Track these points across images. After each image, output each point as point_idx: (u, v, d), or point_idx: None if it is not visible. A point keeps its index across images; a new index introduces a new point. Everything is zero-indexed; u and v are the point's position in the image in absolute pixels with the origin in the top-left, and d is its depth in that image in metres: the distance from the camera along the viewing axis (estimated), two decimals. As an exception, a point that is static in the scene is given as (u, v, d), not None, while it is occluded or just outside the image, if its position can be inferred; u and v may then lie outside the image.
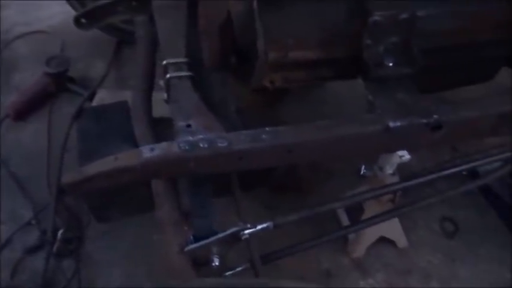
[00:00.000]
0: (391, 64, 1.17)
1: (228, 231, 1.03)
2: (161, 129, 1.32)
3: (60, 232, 1.43)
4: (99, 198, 1.46)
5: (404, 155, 1.25)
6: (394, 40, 1.18)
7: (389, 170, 1.31)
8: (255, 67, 1.20)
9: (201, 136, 1.01)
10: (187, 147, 0.98)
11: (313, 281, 1.41)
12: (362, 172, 1.66)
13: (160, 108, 1.37)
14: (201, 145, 0.99)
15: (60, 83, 1.94)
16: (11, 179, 1.63)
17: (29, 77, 1.99)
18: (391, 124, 1.06)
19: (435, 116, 1.08)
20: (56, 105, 1.92)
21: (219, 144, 1.00)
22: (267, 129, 1.04)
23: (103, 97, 1.89)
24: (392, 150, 1.23)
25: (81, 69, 2.07)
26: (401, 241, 1.51)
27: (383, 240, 1.50)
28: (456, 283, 1.45)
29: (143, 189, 1.46)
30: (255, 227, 1.05)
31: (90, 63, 2.12)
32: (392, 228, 1.46)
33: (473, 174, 1.46)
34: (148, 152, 0.98)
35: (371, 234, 1.45)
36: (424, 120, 1.08)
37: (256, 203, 1.56)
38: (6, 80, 2.02)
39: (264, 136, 1.02)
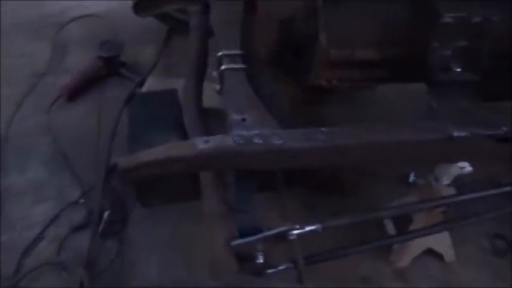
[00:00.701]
0: (458, 69, 1.11)
1: (276, 230, 1.01)
2: (209, 119, 1.32)
3: (106, 213, 1.46)
4: (145, 183, 1.49)
5: (466, 167, 1.19)
6: (463, 44, 1.12)
7: (445, 181, 1.25)
8: (312, 64, 1.17)
9: (256, 131, 1.00)
10: (241, 142, 0.97)
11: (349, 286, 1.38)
12: (411, 179, 1.61)
13: (209, 98, 1.36)
14: (256, 141, 0.98)
15: (112, 67, 1.98)
16: (60, 157, 1.68)
17: (81, 60, 2.04)
18: (456, 133, 1.00)
19: (504, 128, 1.02)
20: (106, 88, 1.97)
21: (274, 141, 0.98)
22: (323, 129, 1.01)
23: (152, 84, 1.91)
24: (453, 160, 1.17)
25: (132, 55, 2.10)
26: (449, 255, 1.44)
27: (429, 251, 1.44)
28: (503, 305, 1.38)
29: (186, 179, 1.47)
30: (303, 228, 1.03)
31: (140, 49, 2.15)
32: (440, 241, 1.40)
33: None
34: (203, 143, 0.97)
35: (417, 245, 1.39)
36: (491, 132, 1.02)
37: (295, 201, 1.54)
38: (59, 62, 2.08)
39: (319, 136, 1.00)
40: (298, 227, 1.02)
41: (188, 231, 1.45)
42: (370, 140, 1.01)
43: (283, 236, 1.03)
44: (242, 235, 1.01)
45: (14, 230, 1.49)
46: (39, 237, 1.46)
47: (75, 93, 1.91)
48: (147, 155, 1.03)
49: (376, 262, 1.44)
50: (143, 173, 1.08)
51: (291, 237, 1.02)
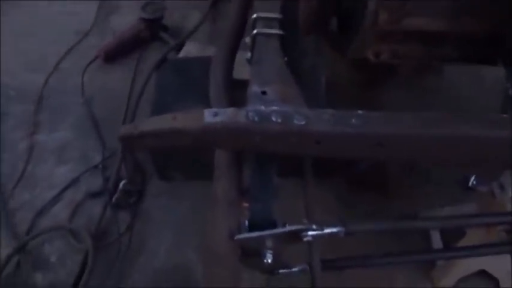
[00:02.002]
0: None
1: (288, 228, 0.86)
2: (242, 93, 1.17)
3: (122, 183, 1.38)
4: (164, 156, 1.39)
5: (543, 178, 0.93)
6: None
7: (513, 192, 1.00)
8: (358, 32, 0.96)
9: (275, 108, 0.83)
10: (256, 119, 0.81)
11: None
12: (470, 184, 1.36)
13: (243, 69, 1.21)
14: (273, 119, 0.81)
15: (153, 29, 1.89)
16: (89, 119, 1.63)
17: (127, 22, 1.97)
18: (532, 132, 0.76)
19: None
20: (147, 52, 1.88)
21: (295, 121, 0.81)
22: (359, 112, 0.82)
23: (190, 50, 1.79)
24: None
25: (178, 19, 1.99)
26: (506, 281, 1.19)
27: (481, 272, 1.20)
28: None
29: (210, 154, 1.34)
30: (322, 229, 0.86)
31: (188, 14, 2.03)
32: (497, 262, 1.16)
33: None
34: (211, 116, 0.83)
35: (468, 264, 1.16)
36: None
37: (330, 194, 1.36)
38: (104, 22, 2.03)
39: (353, 120, 0.80)
40: (315, 227, 0.86)
41: (206, 212, 1.33)
42: (416, 132, 0.80)
43: (297, 236, 0.88)
44: (252, 227, 0.87)
45: (36, 188, 1.47)
46: (55, 199, 1.43)
47: (114, 55, 1.84)
48: (148, 124, 0.91)
49: (414, 276, 1.23)
50: (145, 143, 0.97)
51: (306, 238, 0.86)
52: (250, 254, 0.90)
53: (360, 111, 0.82)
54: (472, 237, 1.09)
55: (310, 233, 0.85)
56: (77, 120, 1.64)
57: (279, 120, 0.81)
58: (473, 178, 1.35)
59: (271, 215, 0.88)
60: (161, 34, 1.88)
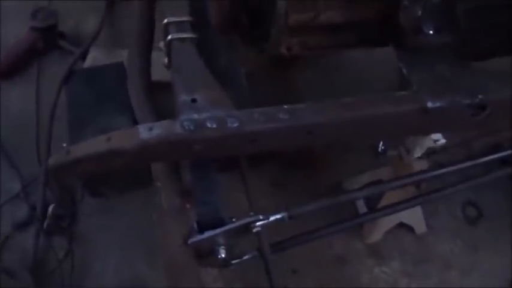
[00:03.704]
0: (430, 31, 1.00)
1: (238, 223, 0.91)
2: (162, 95, 1.17)
3: (50, 207, 1.30)
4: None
5: (440, 139, 1.11)
6: (435, 1, 1.00)
7: (417, 153, 1.17)
8: (269, 31, 1.03)
9: (208, 114, 0.86)
10: (192, 127, 0.84)
11: (324, 267, 1.32)
12: (380, 149, 1.54)
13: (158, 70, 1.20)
14: (209, 125, 0.85)
15: (49, 39, 1.75)
16: (-4, 146, 1.49)
17: (14, 32, 1.80)
18: (430, 104, 0.91)
19: (480, 96, 0.93)
20: (45, 64, 1.75)
21: (229, 125, 0.85)
22: (285, 107, 0.89)
23: (96, 56, 1.71)
24: (428, 132, 1.09)
25: (72, 24, 1.87)
26: (420, 227, 1.40)
27: (400, 224, 1.39)
28: (477, 273, 1.35)
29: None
30: (268, 218, 0.93)
31: (82, 18, 1.91)
32: (411, 214, 1.35)
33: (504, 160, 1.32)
34: (146, 132, 0.83)
35: (388, 219, 1.34)
36: (467, 101, 0.93)
37: (264, 180, 1.44)
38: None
39: (281, 115, 0.87)
40: (262, 217, 0.93)
41: (147, 221, 1.32)
42: (337, 117, 0.90)
43: (247, 228, 0.94)
44: (202, 228, 0.91)
45: None
46: (-23, 239, 1.30)
47: (9, 71, 1.69)
48: (82, 149, 0.88)
49: (349, 239, 1.38)
50: (80, 170, 0.94)
51: (255, 229, 0.93)
52: (204, 254, 0.94)
53: (285, 106, 0.90)
54: (389, 197, 1.25)
55: (258, 223, 0.92)
56: (-20, 149, 1.49)
57: (214, 126, 0.85)
58: (381, 144, 1.52)
59: (218, 213, 0.92)
60: (59, 42, 1.76)
